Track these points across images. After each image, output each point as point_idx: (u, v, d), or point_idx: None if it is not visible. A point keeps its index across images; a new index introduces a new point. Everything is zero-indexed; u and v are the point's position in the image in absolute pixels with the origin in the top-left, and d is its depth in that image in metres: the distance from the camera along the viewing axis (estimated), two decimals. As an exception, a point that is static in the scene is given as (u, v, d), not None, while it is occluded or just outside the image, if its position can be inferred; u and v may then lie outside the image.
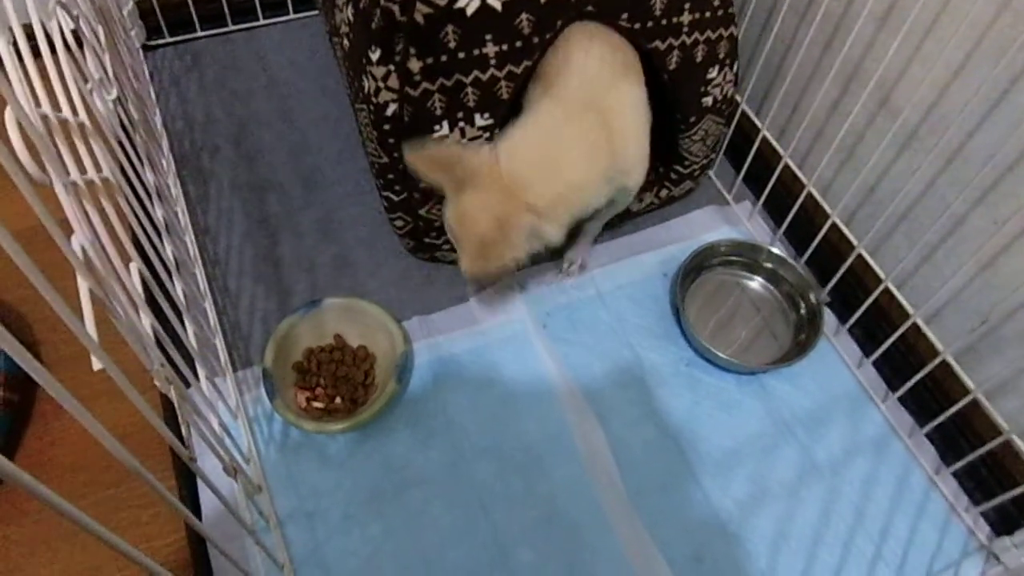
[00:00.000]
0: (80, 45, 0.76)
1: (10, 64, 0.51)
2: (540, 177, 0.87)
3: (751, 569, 0.93)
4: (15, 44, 0.54)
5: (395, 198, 1.03)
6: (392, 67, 0.88)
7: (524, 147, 0.88)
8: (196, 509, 0.92)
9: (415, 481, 0.97)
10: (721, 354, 1.05)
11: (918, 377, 0.99)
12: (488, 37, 0.88)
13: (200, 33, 1.45)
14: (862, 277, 1.12)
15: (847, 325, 1.10)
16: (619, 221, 1.24)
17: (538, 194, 0.86)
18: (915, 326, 1.02)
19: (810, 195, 1.12)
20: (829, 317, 1.14)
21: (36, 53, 0.61)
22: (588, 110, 0.90)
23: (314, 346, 1.03)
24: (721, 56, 1.05)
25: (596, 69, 0.91)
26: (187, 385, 0.72)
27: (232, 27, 1.46)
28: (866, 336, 1.13)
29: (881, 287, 1.02)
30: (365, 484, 0.96)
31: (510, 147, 0.88)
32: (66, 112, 0.60)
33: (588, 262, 1.18)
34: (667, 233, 1.25)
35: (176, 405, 0.65)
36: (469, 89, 0.92)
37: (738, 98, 1.18)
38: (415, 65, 0.87)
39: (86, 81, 0.73)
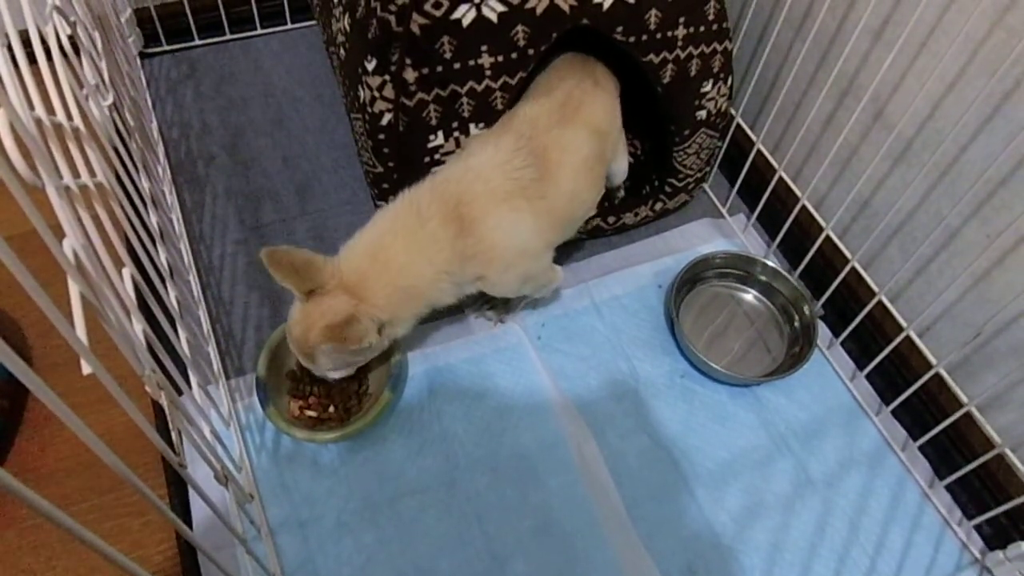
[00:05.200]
0: (77, 51, 0.76)
1: (4, 67, 0.51)
2: (374, 274, 0.85)
3: (744, 582, 0.93)
4: (10, 47, 0.54)
5: (390, 207, 1.03)
6: (388, 77, 0.88)
7: (359, 249, 0.87)
8: (187, 517, 0.91)
9: (409, 490, 0.96)
10: (716, 366, 1.05)
11: (912, 390, 0.99)
12: (484, 48, 0.88)
13: (197, 41, 1.45)
14: (856, 290, 1.12)
15: (841, 338, 1.10)
16: (614, 233, 1.24)
17: (376, 291, 0.84)
18: (909, 339, 1.02)
19: (804, 208, 1.13)
20: (823, 330, 1.14)
21: (32, 59, 0.61)
22: (442, 201, 0.86)
23: (308, 355, 1.03)
24: (715, 70, 1.06)
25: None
26: (179, 392, 0.72)
27: (230, 36, 1.46)
28: (860, 349, 1.13)
29: (875, 300, 1.02)
30: (358, 493, 0.95)
31: (351, 248, 0.87)
32: (61, 117, 0.60)
33: (510, 319, 1.13)
34: (662, 244, 1.25)
35: (167, 412, 0.65)
36: (464, 99, 0.92)
37: (733, 111, 1.19)
38: (411, 75, 0.88)
39: (82, 86, 0.73)
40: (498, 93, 0.93)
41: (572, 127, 0.93)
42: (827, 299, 1.09)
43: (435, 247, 0.86)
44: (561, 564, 0.92)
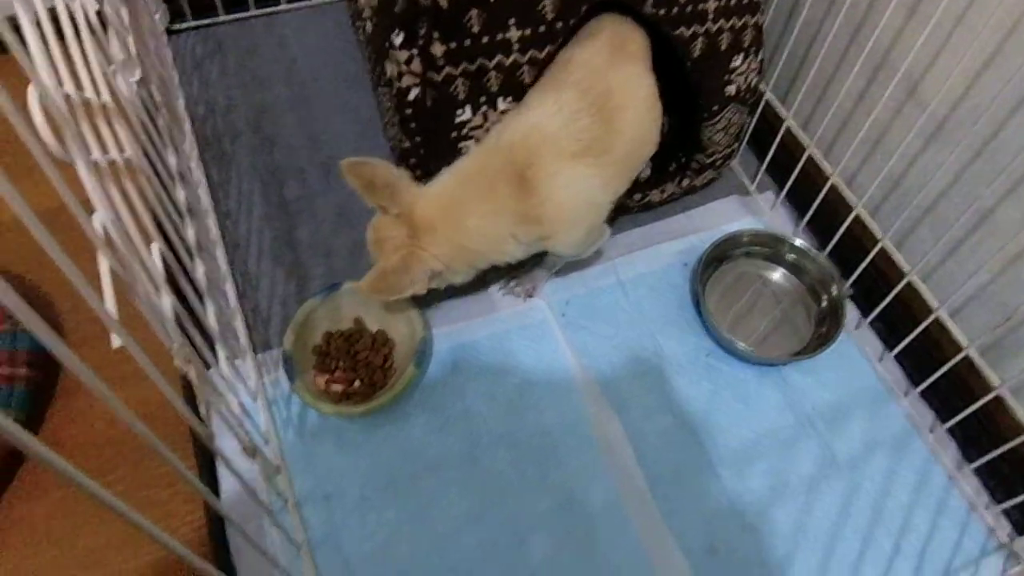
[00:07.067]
0: (104, 27, 0.77)
1: (34, 43, 0.51)
2: (442, 228, 0.88)
3: (767, 561, 0.93)
4: (39, 24, 0.54)
5: (415, 184, 1.03)
6: (415, 51, 0.87)
7: (436, 196, 0.90)
8: (215, 489, 0.93)
9: (431, 466, 0.97)
10: (741, 345, 1.04)
11: (940, 372, 0.98)
12: (512, 21, 0.87)
13: (223, 17, 1.45)
14: (885, 270, 1.11)
15: (869, 318, 1.09)
16: (640, 210, 1.23)
17: (440, 243, 0.88)
18: (938, 320, 1.00)
19: (834, 186, 1.11)
20: (851, 310, 1.13)
21: (60, 35, 0.61)
22: (510, 164, 0.88)
23: (333, 330, 1.03)
24: (746, 44, 1.04)
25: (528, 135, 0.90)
26: (207, 366, 0.72)
27: (255, 11, 1.46)
28: (888, 330, 1.12)
29: (904, 281, 1.00)
30: (382, 468, 0.96)
31: (427, 192, 0.90)
32: (89, 92, 0.60)
33: (539, 292, 1.13)
34: (688, 222, 1.24)
35: (195, 385, 0.66)
36: (492, 73, 0.91)
37: (763, 87, 1.17)
38: (438, 49, 0.87)
39: (110, 62, 0.73)
40: (526, 67, 0.92)
41: (628, 64, 0.94)
42: (856, 279, 1.08)
43: (505, 214, 0.89)
44: (582, 541, 0.92)
